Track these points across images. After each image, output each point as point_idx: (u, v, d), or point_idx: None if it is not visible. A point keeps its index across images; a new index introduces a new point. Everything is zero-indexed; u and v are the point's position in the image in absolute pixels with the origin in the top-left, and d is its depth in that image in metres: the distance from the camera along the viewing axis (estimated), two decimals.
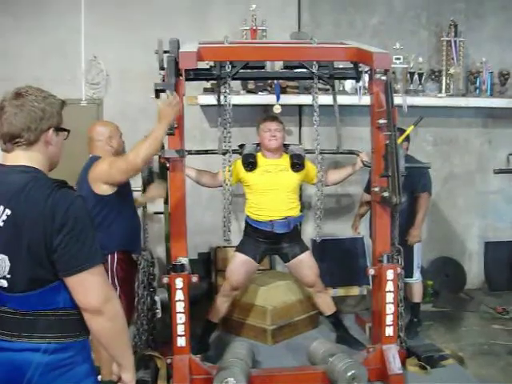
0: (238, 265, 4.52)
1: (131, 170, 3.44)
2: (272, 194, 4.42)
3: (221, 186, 4.31)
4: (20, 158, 2.02)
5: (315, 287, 4.59)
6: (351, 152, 4.68)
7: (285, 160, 4.53)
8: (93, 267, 1.94)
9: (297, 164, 4.47)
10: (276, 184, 4.43)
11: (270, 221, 4.40)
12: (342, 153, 4.67)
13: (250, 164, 4.45)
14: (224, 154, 4.20)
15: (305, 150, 4.63)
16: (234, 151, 4.45)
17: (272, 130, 4.46)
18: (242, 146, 4.61)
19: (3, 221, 1.93)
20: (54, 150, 2.09)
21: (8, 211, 1.93)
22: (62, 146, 2.14)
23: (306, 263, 4.55)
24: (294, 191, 4.54)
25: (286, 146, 4.61)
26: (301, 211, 4.63)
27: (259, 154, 4.56)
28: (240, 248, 4.56)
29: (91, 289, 1.94)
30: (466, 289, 6.30)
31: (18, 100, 2.00)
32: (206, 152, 4.65)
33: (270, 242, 4.49)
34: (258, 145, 4.61)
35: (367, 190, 5.01)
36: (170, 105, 3.43)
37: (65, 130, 2.13)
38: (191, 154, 4.35)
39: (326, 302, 4.65)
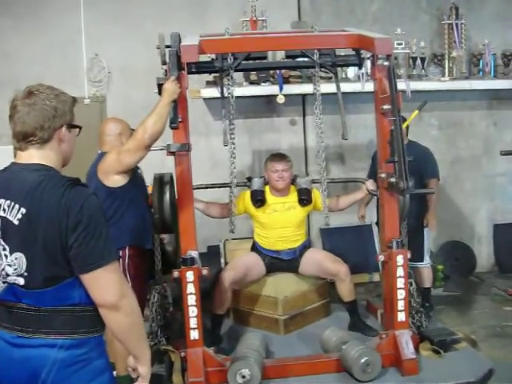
0: (244, 260, 4.71)
1: (141, 148, 3.47)
2: (279, 230, 4.65)
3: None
4: (33, 156, 2.04)
5: (340, 272, 4.55)
6: (356, 180, 4.99)
7: (292, 196, 4.68)
8: (108, 264, 1.95)
9: (304, 200, 4.61)
10: (283, 222, 4.64)
11: (277, 251, 4.67)
12: (348, 181, 5.19)
13: (259, 201, 4.60)
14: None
15: (312, 180, 4.76)
16: (242, 184, 4.67)
17: (279, 171, 4.58)
18: (249, 179, 4.75)
19: (18, 219, 1.95)
20: (66, 147, 2.11)
21: (23, 210, 1.95)
22: (74, 143, 2.16)
23: (315, 255, 4.75)
24: (300, 225, 4.75)
25: (293, 178, 4.72)
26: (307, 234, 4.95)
27: (267, 190, 4.69)
28: (252, 249, 4.80)
29: (107, 286, 1.96)
30: (477, 272, 6.30)
31: (30, 99, 2.01)
32: (213, 186, 4.81)
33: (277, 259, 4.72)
34: (265, 177, 4.72)
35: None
36: (175, 83, 3.52)
37: (77, 126, 2.15)
38: (200, 188, 4.51)
39: (347, 288, 4.59)
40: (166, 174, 4.01)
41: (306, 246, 4.84)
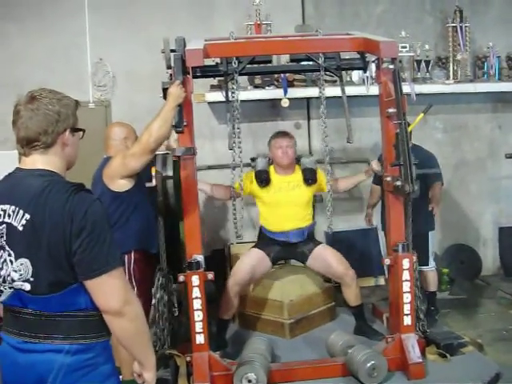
0: (247, 262, 4.56)
1: (146, 152, 3.48)
2: (285, 209, 4.56)
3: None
4: (37, 161, 2.04)
5: (347, 276, 4.50)
6: (361, 161, 4.79)
7: (297, 175, 4.63)
8: (112, 270, 1.95)
9: (309, 179, 4.57)
10: (289, 201, 4.57)
11: (285, 232, 4.56)
12: (353, 162, 4.74)
13: (264, 181, 4.56)
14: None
15: (316, 160, 4.71)
16: (246, 165, 4.56)
17: (283, 147, 4.55)
18: (254, 160, 4.70)
19: (23, 225, 1.95)
20: (70, 151, 2.11)
21: (27, 215, 1.95)
22: (78, 146, 2.16)
23: (324, 252, 4.61)
24: (307, 204, 4.68)
25: (297, 158, 4.68)
26: (313, 218, 4.77)
27: (272, 170, 4.66)
28: (256, 245, 4.70)
29: (111, 292, 1.96)
30: (482, 275, 6.27)
31: (32, 104, 2.01)
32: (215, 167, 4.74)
33: (285, 247, 4.61)
34: (269, 158, 4.68)
35: (375, 181, 5.02)
36: (180, 87, 3.53)
37: (80, 129, 2.15)
38: (203, 169, 4.38)
39: (354, 293, 4.55)
40: (170, 155, 3.92)
41: (312, 229, 4.77)
